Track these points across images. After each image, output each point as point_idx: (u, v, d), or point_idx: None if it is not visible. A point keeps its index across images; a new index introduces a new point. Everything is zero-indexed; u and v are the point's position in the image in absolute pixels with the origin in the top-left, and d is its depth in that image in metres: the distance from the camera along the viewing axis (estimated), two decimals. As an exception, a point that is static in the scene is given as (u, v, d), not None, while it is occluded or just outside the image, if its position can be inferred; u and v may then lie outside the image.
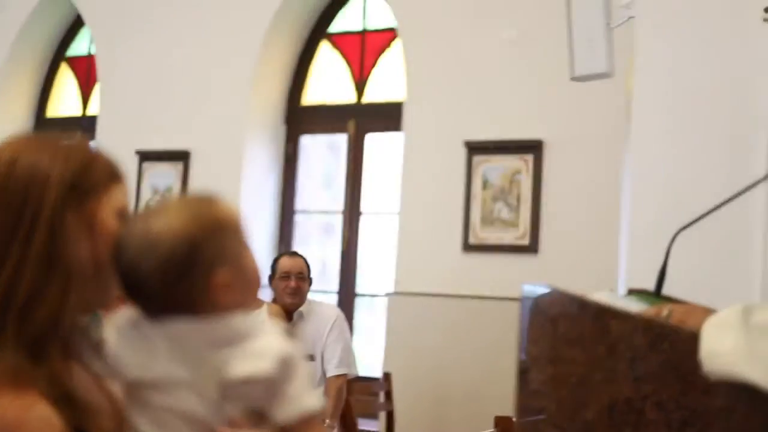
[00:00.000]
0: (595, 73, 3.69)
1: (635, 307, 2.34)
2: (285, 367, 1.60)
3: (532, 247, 6.21)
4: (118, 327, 1.66)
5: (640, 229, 3.57)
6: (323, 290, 7.21)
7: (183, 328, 1.60)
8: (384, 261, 7.00)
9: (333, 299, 7.20)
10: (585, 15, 3.69)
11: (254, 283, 1.70)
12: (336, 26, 7.49)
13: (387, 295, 6.74)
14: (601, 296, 2.40)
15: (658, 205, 3.51)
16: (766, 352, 2.10)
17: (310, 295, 5.58)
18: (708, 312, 2.27)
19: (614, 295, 2.44)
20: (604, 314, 2.18)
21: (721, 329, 2.15)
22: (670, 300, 2.41)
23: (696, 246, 3.29)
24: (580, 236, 6.01)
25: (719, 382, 1.99)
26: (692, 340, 2.12)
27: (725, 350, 2.11)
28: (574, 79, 3.73)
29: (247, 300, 1.68)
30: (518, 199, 6.27)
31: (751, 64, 3.44)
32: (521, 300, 2.43)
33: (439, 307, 6.44)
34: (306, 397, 1.62)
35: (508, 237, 6.29)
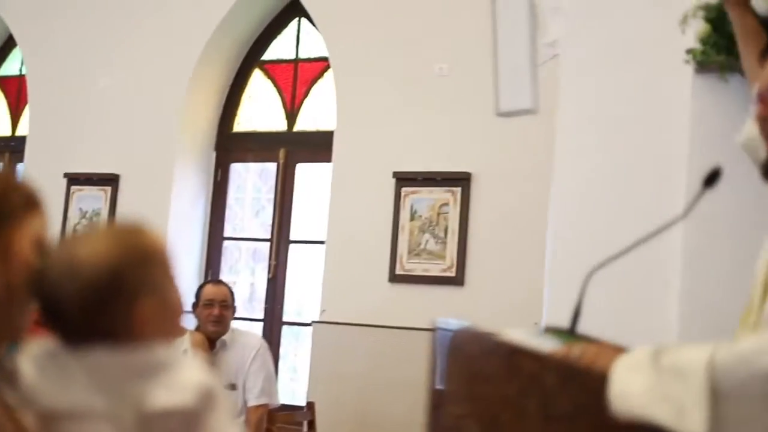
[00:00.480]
0: (520, 109, 3.71)
1: (550, 345, 2.34)
2: (206, 399, 1.58)
3: (458, 279, 6.23)
4: (33, 356, 1.62)
5: (561, 265, 3.60)
6: (251, 317, 7.19)
7: (102, 357, 1.58)
8: (311, 290, 6.98)
9: (259, 327, 7.16)
10: (511, 51, 3.71)
11: (177, 316, 1.69)
12: (269, 54, 7.48)
13: (313, 323, 6.72)
14: (516, 334, 2.40)
15: (579, 242, 3.54)
16: (676, 393, 2.11)
17: (234, 323, 5.54)
18: (620, 352, 2.29)
19: (531, 333, 2.45)
20: (516, 353, 2.19)
21: (631, 370, 2.16)
22: (585, 339, 2.42)
23: (615, 284, 3.31)
24: (507, 269, 6.04)
25: (629, 423, 2.01)
26: (602, 380, 2.14)
27: (635, 391, 2.13)
28: (500, 114, 3.74)
29: (169, 333, 1.67)
30: (446, 231, 6.30)
31: (673, 105, 3.49)
32: (434, 331, 2.44)
33: (365, 337, 6.43)
34: (227, 430, 1.61)
35: (434, 269, 6.31)
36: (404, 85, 6.53)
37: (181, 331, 4.73)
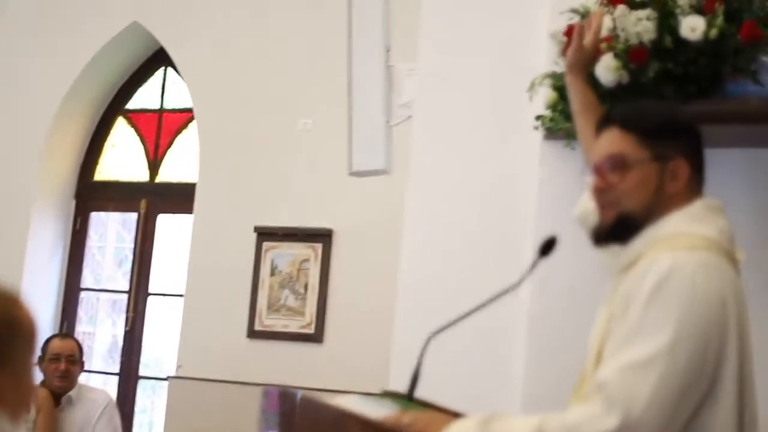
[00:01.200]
0: (372, 169, 3.72)
1: (386, 410, 2.33)
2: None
3: (317, 336, 6.20)
4: None
5: (408, 326, 3.58)
6: (109, 371, 7.03)
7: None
8: (169, 343, 6.86)
9: (115, 380, 7.01)
10: (365, 111, 3.72)
11: (28, 396, 1.62)
12: (133, 103, 7.38)
13: (169, 378, 6.59)
14: (353, 399, 2.38)
15: (426, 304, 3.53)
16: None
17: (83, 378, 5.40)
18: (453, 419, 2.28)
19: (369, 398, 2.42)
20: (344, 419, 2.18)
21: (459, 438, 2.16)
22: (421, 404, 2.40)
23: (461, 347, 3.32)
24: (366, 327, 6.02)
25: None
26: (430, 448, 2.12)
27: (463, 459, 2.13)
28: (352, 174, 3.75)
29: (17, 409, 1.60)
30: (306, 287, 6.26)
31: (521, 169, 3.52)
32: (265, 394, 2.40)
33: (222, 394, 6.33)
34: None
35: (293, 325, 6.26)
36: (268, 139, 6.51)
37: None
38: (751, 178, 3.19)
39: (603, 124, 2.43)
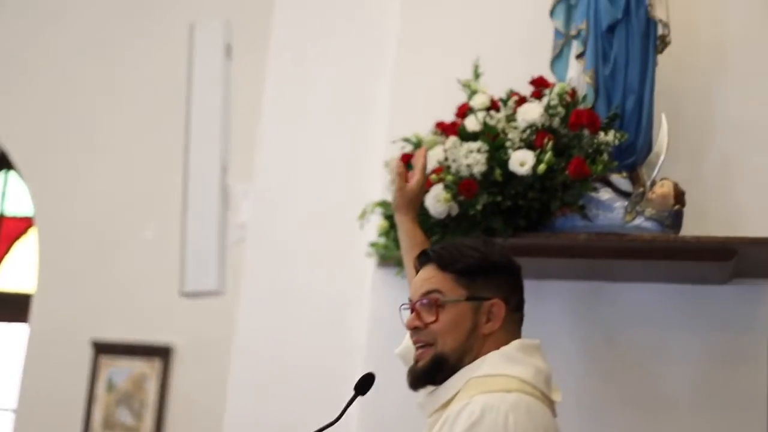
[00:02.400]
0: (204, 290, 3.62)
1: None
2: None
3: (153, 458, 5.98)
4: None
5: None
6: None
7: None
8: (-4, 462, 6.55)
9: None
10: (199, 230, 3.64)
11: None
12: (-30, 208, 7.15)
13: (-8, 502, 6.27)
14: None
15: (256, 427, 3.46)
16: None
17: None
18: None
19: None
20: None
21: None
22: None
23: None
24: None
25: None
26: None
27: None
28: (184, 294, 3.64)
29: None
30: (142, 405, 6.04)
31: (353, 296, 3.49)
32: None
33: None
34: None
35: (128, 444, 6.03)
36: (110, 249, 6.32)
37: None
38: (578, 311, 3.20)
39: (421, 261, 2.40)
